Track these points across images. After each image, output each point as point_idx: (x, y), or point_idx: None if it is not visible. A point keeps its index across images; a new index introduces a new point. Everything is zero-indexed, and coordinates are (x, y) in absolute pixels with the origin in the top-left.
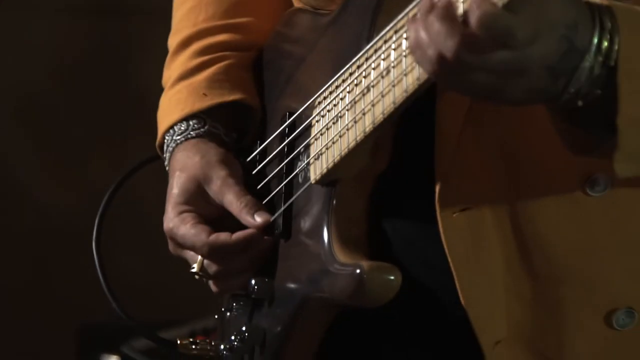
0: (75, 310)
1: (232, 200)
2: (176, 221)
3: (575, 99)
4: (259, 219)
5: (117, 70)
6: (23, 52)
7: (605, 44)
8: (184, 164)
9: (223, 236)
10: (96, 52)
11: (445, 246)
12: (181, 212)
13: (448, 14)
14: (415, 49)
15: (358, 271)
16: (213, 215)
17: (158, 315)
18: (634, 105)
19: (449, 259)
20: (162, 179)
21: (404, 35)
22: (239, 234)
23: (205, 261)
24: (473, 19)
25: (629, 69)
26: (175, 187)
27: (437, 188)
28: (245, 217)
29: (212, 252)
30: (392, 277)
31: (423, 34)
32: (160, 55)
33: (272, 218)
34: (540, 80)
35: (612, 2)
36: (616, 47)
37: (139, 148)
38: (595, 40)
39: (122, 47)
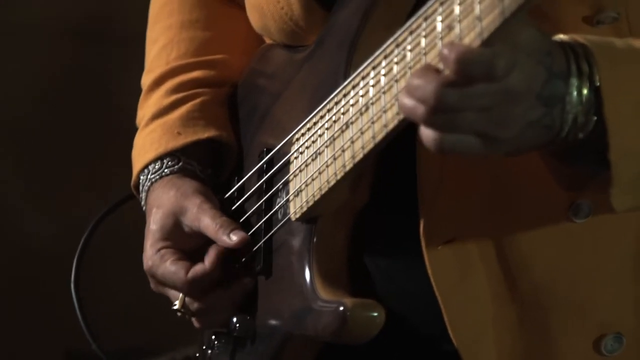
0: (57, 340)
1: (208, 224)
2: (155, 259)
3: (575, 129)
4: (234, 237)
5: (101, 99)
6: (5, 78)
7: (585, 67)
8: (160, 200)
9: (199, 268)
10: (80, 79)
11: (431, 279)
12: (160, 249)
13: (423, 68)
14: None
15: (341, 308)
16: (193, 248)
17: (140, 343)
18: (622, 136)
19: (436, 292)
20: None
21: (382, 72)
22: (210, 257)
23: (187, 298)
24: (450, 60)
25: (612, 98)
26: (153, 223)
27: (422, 221)
28: (221, 238)
29: (192, 288)
30: (375, 314)
31: (407, 100)
32: None
33: (253, 244)
34: (535, 111)
35: (582, 36)
36: (596, 70)
37: (124, 176)
38: (574, 65)
39: (107, 75)
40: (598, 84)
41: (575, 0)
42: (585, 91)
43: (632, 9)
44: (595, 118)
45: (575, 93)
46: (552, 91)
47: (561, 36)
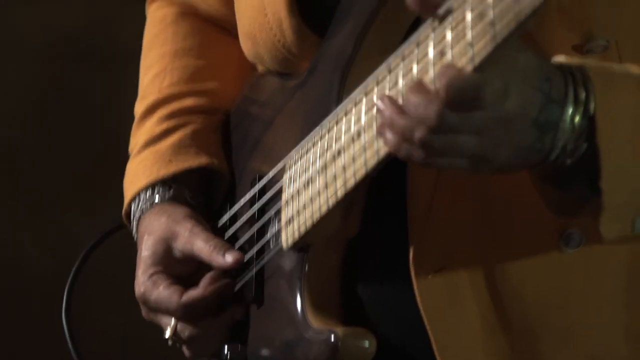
0: None
1: (201, 246)
2: (148, 285)
3: (564, 156)
4: (229, 257)
5: (96, 121)
6: None
7: (583, 94)
8: (152, 227)
9: (194, 292)
10: (74, 100)
11: (421, 308)
12: (152, 275)
13: (422, 87)
14: (401, 144)
15: (332, 338)
16: (185, 274)
17: None
18: (615, 164)
19: (425, 321)
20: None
21: (375, 98)
22: (206, 282)
23: (179, 326)
24: (441, 87)
25: (606, 127)
26: (144, 250)
27: (411, 250)
28: (216, 259)
29: (186, 312)
30: (366, 343)
31: (402, 120)
32: None
33: (245, 272)
34: (528, 137)
35: (582, 60)
36: (592, 97)
37: (118, 200)
38: (571, 91)
39: (99, 96)
40: (592, 112)
41: (565, 28)
42: (577, 118)
43: (621, 37)
44: (586, 144)
45: (568, 120)
46: (547, 117)
47: (561, 59)
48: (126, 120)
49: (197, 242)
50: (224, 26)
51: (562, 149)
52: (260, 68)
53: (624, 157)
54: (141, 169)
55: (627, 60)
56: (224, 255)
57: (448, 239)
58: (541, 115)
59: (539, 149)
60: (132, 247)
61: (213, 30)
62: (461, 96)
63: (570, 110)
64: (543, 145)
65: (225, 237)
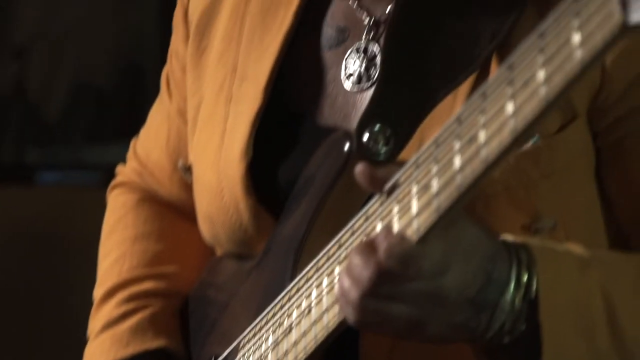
0: None
1: None
2: None
3: (501, 335)
4: None
5: (54, 308)
6: None
7: (525, 277)
8: None
9: None
10: (31, 286)
11: None
12: None
13: (365, 247)
14: (340, 297)
15: None
16: None
17: None
18: (557, 344)
19: None
20: None
21: (325, 273)
22: None
23: None
24: (380, 251)
25: (549, 307)
26: None
27: None
28: None
29: None
30: None
31: (345, 281)
32: None
33: None
34: (462, 314)
35: (527, 239)
36: (535, 281)
37: None
38: (514, 274)
39: (61, 282)
40: (534, 296)
41: (513, 208)
42: (517, 301)
43: (567, 217)
44: (525, 325)
45: (508, 302)
46: (485, 297)
47: (508, 237)
48: (85, 307)
49: None
50: (184, 211)
51: (499, 328)
52: (218, 251)
53: (565, 337)
54: (97, 354)
55: (574, 239)
56: None
57: None
58: (479, 295)
59: (474, 327)
60: None
61: (173, 216)
62: (399, 264)
63: (510, 293)
64: (478, 323)
65: None
